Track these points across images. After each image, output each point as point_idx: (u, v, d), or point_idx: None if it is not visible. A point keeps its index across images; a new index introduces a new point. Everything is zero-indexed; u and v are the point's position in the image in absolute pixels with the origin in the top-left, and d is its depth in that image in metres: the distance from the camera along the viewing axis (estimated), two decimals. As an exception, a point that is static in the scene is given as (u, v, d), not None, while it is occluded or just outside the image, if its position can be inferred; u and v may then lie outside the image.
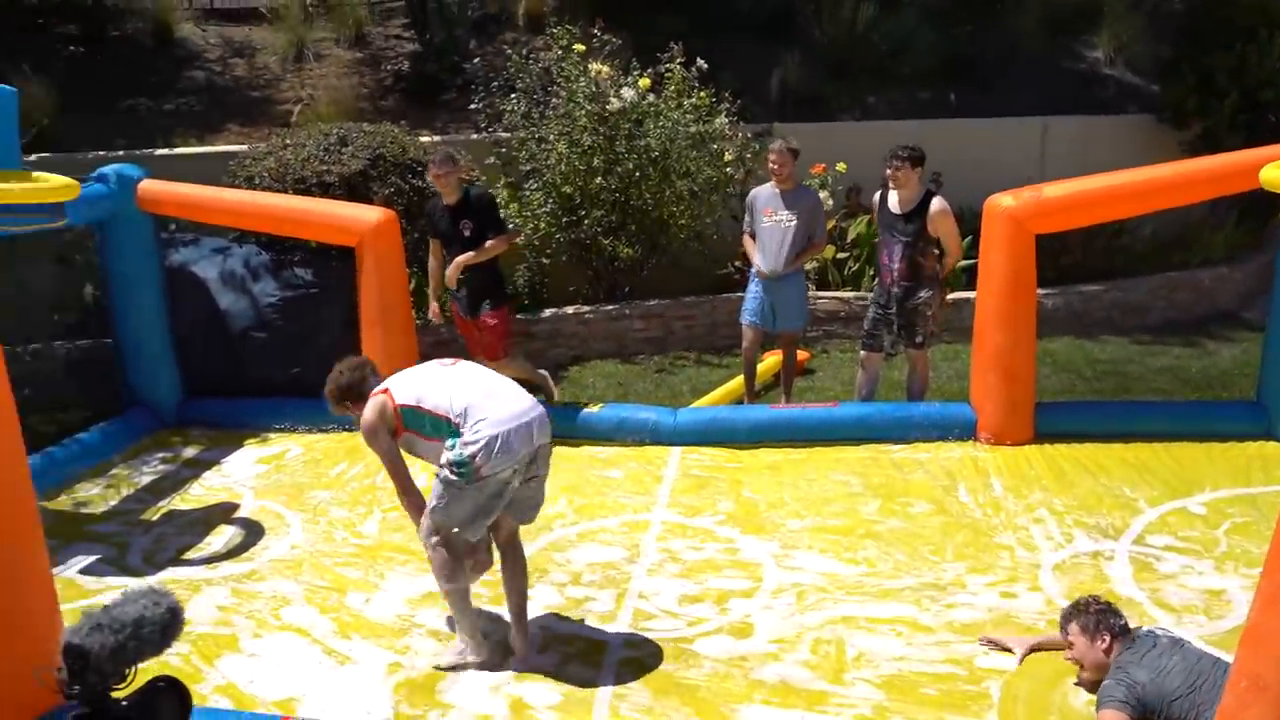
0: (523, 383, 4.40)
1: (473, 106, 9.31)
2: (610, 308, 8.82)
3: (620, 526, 5.49)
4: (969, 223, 7.47)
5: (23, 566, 3.64)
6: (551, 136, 8.48)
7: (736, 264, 8.91)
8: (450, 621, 4.39)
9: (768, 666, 4.16)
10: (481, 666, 4.18)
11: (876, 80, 10.89)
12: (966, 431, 6.41)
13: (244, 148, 8.69)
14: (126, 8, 11.30)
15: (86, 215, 6.61)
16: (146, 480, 6.37)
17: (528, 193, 8.72)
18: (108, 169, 6.90)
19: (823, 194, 8.31)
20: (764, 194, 6.87)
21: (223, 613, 4.71)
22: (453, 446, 3.92)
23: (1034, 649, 4.15)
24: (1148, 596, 4.56)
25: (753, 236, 6.91)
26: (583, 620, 4.56)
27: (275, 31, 11.26)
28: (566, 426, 6.58)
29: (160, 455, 6.75)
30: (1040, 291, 6.50)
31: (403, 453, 4.16)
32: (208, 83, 10.77)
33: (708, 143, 8.59)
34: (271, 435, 6.99)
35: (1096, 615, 3.80)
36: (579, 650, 4.32)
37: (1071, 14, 11.81)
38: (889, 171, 6.39)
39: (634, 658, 4.24)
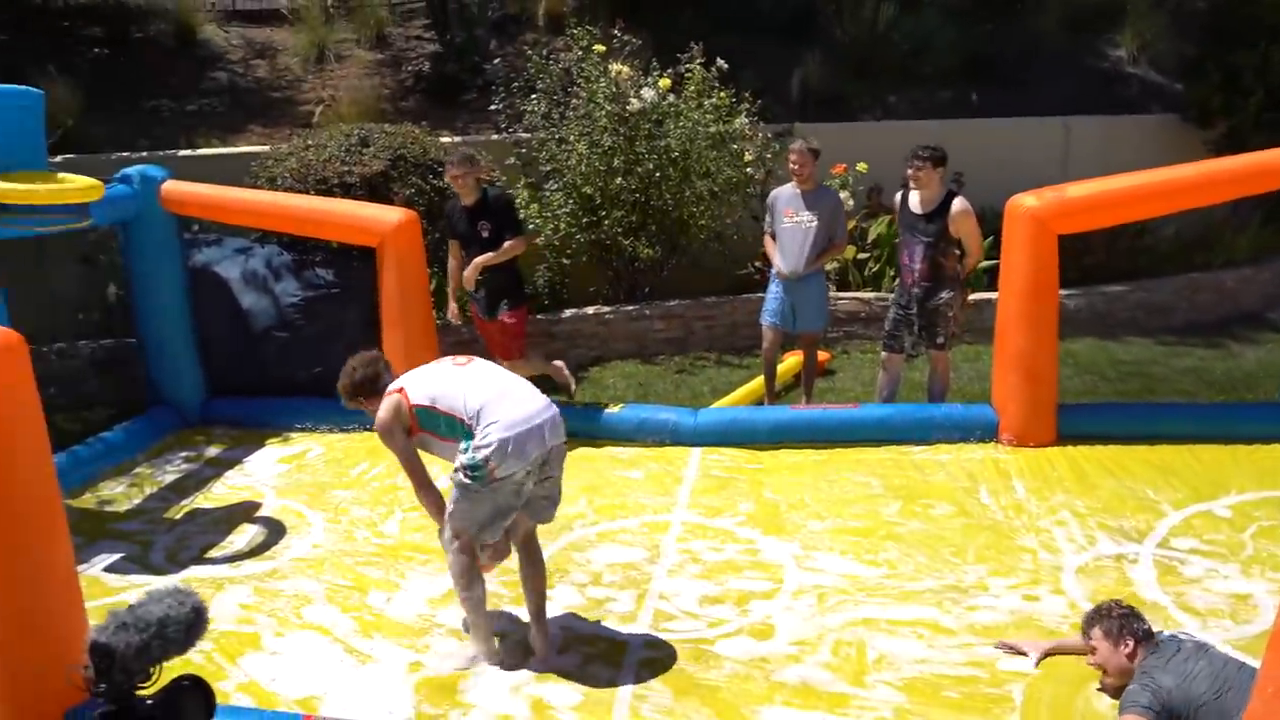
0: (538, 379, 4.39)
1: (493, 107, 9.34)
2: (630, 308, 8.82)
3: (641, 527, 5.49)
4: (990, 223, 7.44)
5: (49, 564, 3.68)
6: (572, 137, 8.49)
7: (757, 264, 8.89)
8: (466, 624, 4.39)
9: (789, 668, 4.15)
10: (500, 667, 4.18)
11: (898, 80, 10.85)
12: (988, 433, 6.37)
13: (266, 148, 8.74)
14: (150, 10, 11.39)
15: (110, 216, 6.66)
16: (170, 479, 6.41)
17: (548, 193, 8.73)
18: (131, 170, 6.96)
19: (843, 194, 8.28)
20: (784, 195, 6.85)
21: (245, 611, 4.74)
22: (466, 450, 3.93)
23: (1049, 653, 4.12)
24: (1172, 600, 4.52)
25: (773, 237, 6.90)
26: (602, 621, 4.56)
27: (297, 33, 11.32)
28: (587, 427, 6.61)
29: (183, 454, 6.79)
30: (1063, 292, 6.46)
31: (420, 452, 4.17)
32: (230, 84, 10.84)
33: (728, 143, 8.57)
34: (293, 435, 7.02)
35: (1120, 620, 3.76)
36: (599, 651, 4.32)
37: (1094, 12, 11.74)
38: (910, 171, 6.36)
39: (654, 658, 4.24)
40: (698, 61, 8.57)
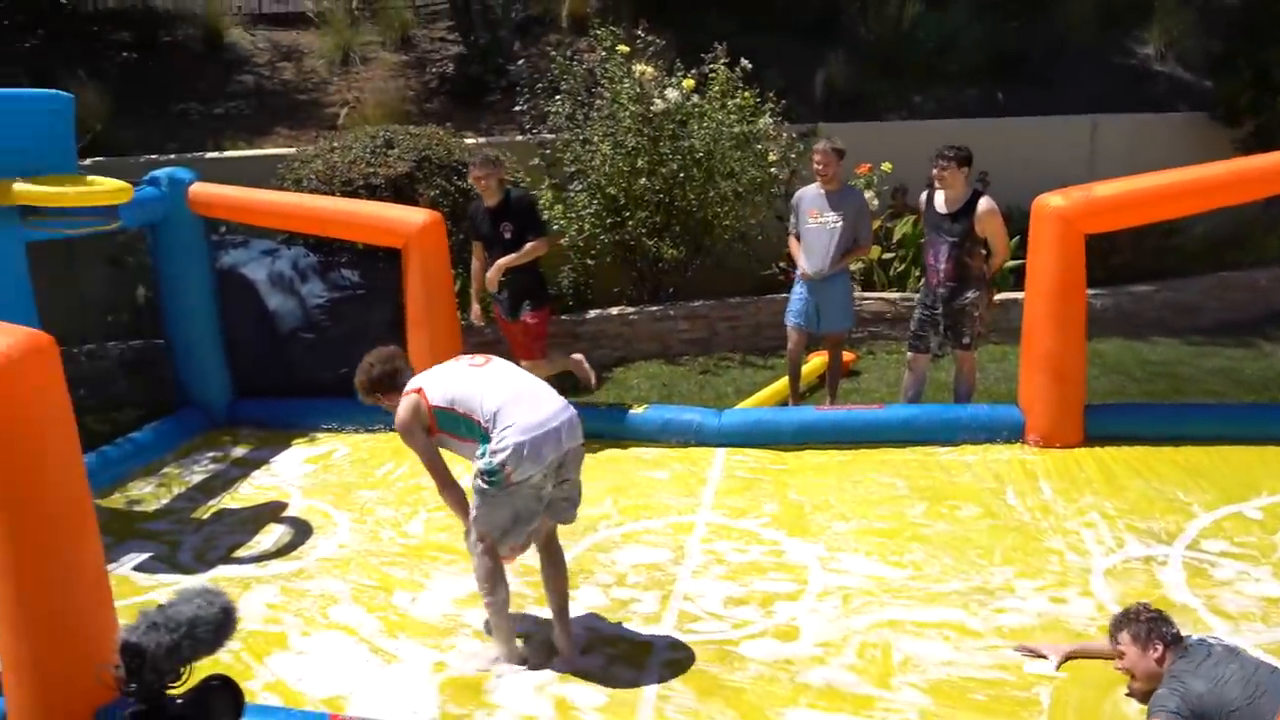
0: (559, 377, 4.37)
1: (517, 108, 9.36)
2: (654, 309, 8.82)
3: (665, 528, 5.48)
4: (1016, 222, 7.39)
5: (80, 564, 3.71)
6: (596, 138, 8.50)
7: (781, 265, 8.88)
8: (489, 625, 4.40)
9: (813, 670, 4.13)
10: (523, 668, 4.18)
11: (923, 78, 10.80)
12: (1015, 434, 6.33)
13: (292, 150, 8.80)
14: (178, 14, 11.50)
15: (139, 218, 6.73)
16: (197, 479, 6.46)
17: (572, 194, 8.74)
18: (159, 172, 7.03)
19: (868, 194, 8.25)
20: (809, 195, 6.83)
21: (272, 611, 4.77)
22: (482, 454, 3.94)
23: (1070, 656, 4.08)
24: (1203, 603, 4.47)
25: (798, 238, 6.88)
26: (626, 622, 4.55)
27: (322, 35, 11.39)
28: (612, 428, 6.61)
29: (210, 454, 6.85)
30: (1090, 292, 6.41)
31: (441, 450, 4.19)
32: (256, 86, 10.91)
33: (752, 143, 8.56)
34: (319, 435, 7.07)
35: (1148, 624, 3.70)
36: (624, 651, 4.32)
37: (1121, 9, 11.64)
38: (935, 171, 6.33)
39: (679, 659, 4.23)
40: (722, 62, 8.56)
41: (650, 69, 8.42)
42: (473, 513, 4.08)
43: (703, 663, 4.20)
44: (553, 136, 8.94)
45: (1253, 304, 9.40)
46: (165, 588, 4.99)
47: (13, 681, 3.65)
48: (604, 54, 8.65)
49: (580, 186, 8.70)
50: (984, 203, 6.26)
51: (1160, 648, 3.65)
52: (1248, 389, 7.37)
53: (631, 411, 6.72)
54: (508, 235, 6.44)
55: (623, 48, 8.55)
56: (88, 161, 7.87)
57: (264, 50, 11.56)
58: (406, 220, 6.78)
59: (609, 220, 8.61)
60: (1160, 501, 5.47)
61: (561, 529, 4.38)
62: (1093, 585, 4.68)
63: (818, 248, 6.72)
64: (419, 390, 4.11)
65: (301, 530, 5.65)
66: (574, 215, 8.66)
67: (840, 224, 6.66)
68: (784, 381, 7.36)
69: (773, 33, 10.62)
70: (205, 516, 5.93)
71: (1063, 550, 5.02)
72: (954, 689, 3.96)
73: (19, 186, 5.40)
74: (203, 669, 2.37)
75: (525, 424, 3.91)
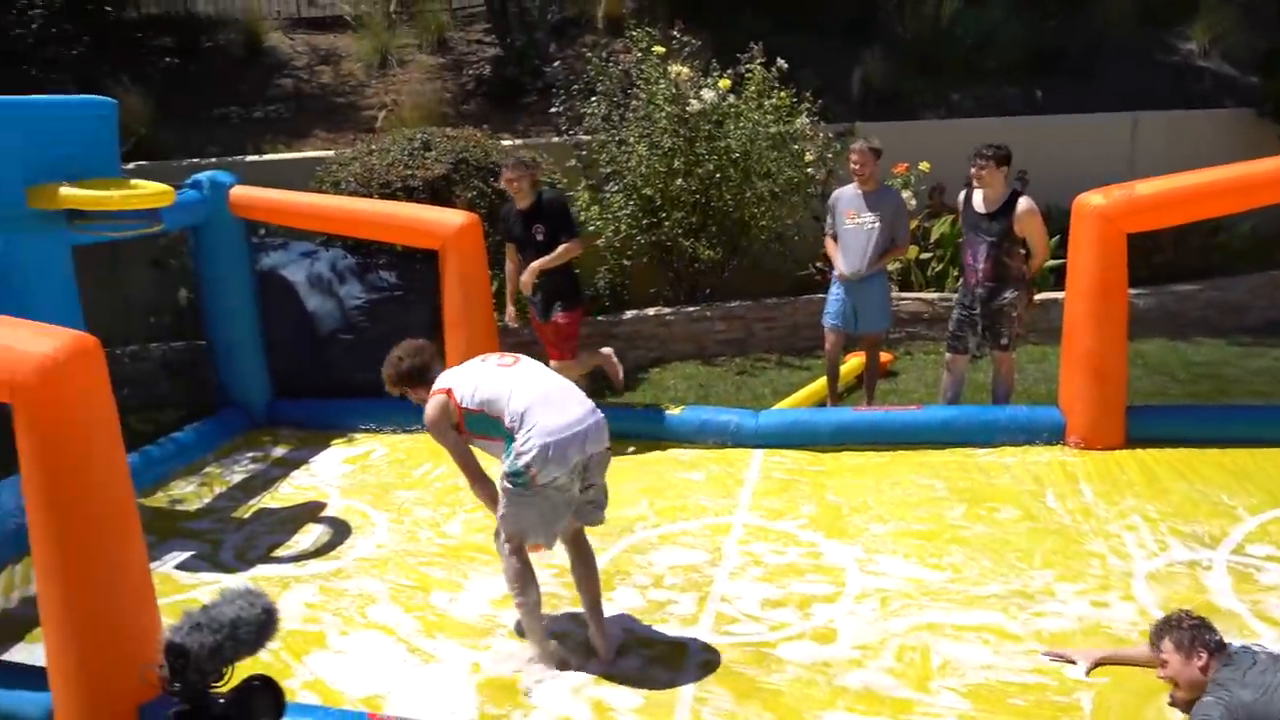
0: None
1: (553, 110, 9.38)
2: (691, 309, 8.82)
3: (702, 529, 5.48)
4: (1056, 221, 7.32)
5: (123, 563, 3.76)
6: (632, 139, 8.50)
7: (818, 265, 8.84)
8: (519, 625, 4.42)
9: (851, 673, 4.11)
10: (560, 669, 4.19)
11: (961, 76, 10.71)
12: (1055, 435, 6.26)
13: (331, 153, 8.88)
14: (219, 19, 11.63)
15: (181, 221, 6.81)
16: (238, 479, 6.53)
17: (608, 195, 8.75)
18: (201, 175, 7.11)
19: (906, 193, 8.19)
20: (846, 195, 6.80)
21: (311, 610, 4.81)
22: (508, 455, 3.96)
23: (1101, 662, 4.02)
24: (1248, 609, 4.40)
25: (834, 238, 6.84)
26: (662, 624, 4.55)
27: (360, 39, 11.47)
28: (648, 429, 6.62)
29: (251, 454, 6.92)
30: (1131, 291, 6.32)
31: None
32: (295, 90, 11.02)
33: (788, 143, 8.53)
34: (357, 435, 7.12)
35: (1191, 631, 3.62)
36: (660, 653, 4.32)
37: (1160, 5, 11.48)
38: (974, 170, 6.28)
39: (716, 662, 4.22)
40: (758, 62, 8.54)
41: (686, 69, 8.42)
42: (500, 513, 4.11)
43: (740, 665, 4.19)
44: (589, 138, 8.95)
45: (1300, 303, 9.24)
46: (207, 586, 5.06)
47: (59, 679, 3.71)
48: (640, 55, 8.66)
49: (616, 187, 8.70)
50: (1023, 202, 6.20)
51: (1204, 655, 3.56)
52: (1294, 390, 7.26)
53: (668, 412, 6.71)
54: (540, 237, 6.45)
55: (658, 48, 8.55)
56: (131, 165, 7.99)
57: (303, 54, 11.67)
58: (444, 222, 6.82)
59: (645, 221, 8.61)
60: (1204, 505, 5.39)
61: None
62: (1135, 589, 4.62)
63: (855, 248, 6.68)
64: (448, 391, 4.13)
65: (340, 530, 5.69)
66: (610, 216, 8.67)
67: (877, 224, 6.63)
68: (821, 382, 7.33)
69: (808, 32, 10.58)
70: (246, 516, 5.99)
71: (1104, 554, 4.96)
72: (993, 693, 3.93)
73: (65, 191, 5.48)
74: (243, 669, 2.40)
75: (551, 426, 3.92)
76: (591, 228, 8.51)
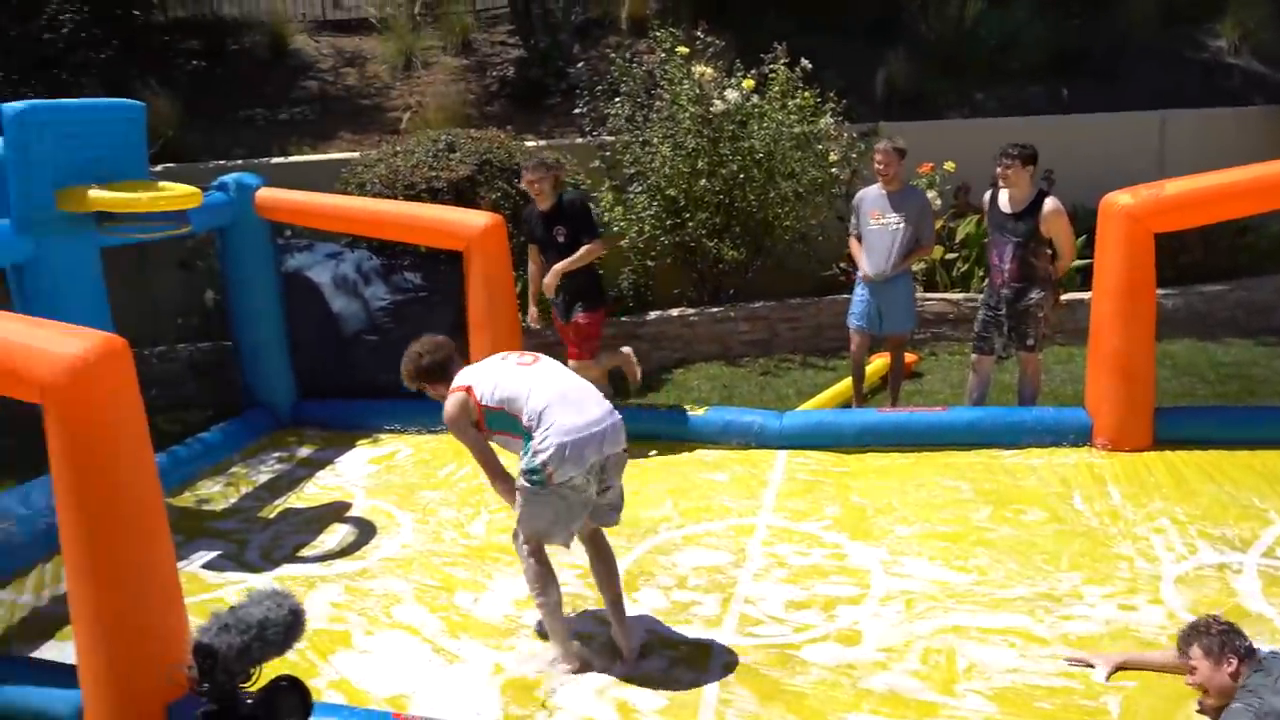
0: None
1: (577, 111, 9.39)
2: (715, 310, 8.81)
3: (726, 530, 5.47)
4: (1083, 221, 7.27)
5: (151, 562, 3.79)
6: (655, 139, 8.50)
7: (842, 265, 8.81)
8: (541, 626, 4.42)
9: (876, 675, 4.09)
10: (584, 670, 4.20)
11: (985, 76, 10.65)
12: (1082, 437, 6.22)
13: (355, 155, 8.91)
14: (245, 22, 11.71)
15: (208, 222, 6.86)
16: (264, 479, 6.57)
17: (632, 196, 8.75)
18: (227, 178, 7.15)
19: (931, 193, 8.17)
20: (870, 196, 6.77)
21: (336, 610, 4.84)
22: (526, 453, 3.97)
23: (1121, 667, 3.99)
24: (1279, 613, 4.36)
25: (858, 239, 6.82)
26: (686, 625, 4.54)
27: (385, 41, 11.52)
28: (672, 429, 6.63)
29: (277, 454, 6.96)
30: (1159, 291, 6.27)
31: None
32: (321, 92, 11.07)
33: (813, 143, 8.50)
34: (382, 436, 7.16)
35: (1220, 636, 3.54)
36: (684, 654, 4.32)
37: (1185, 4, 11.37)
38: (999, 170, 6.25)
39: (740, 663, 4.22)
40: (781, 62, 8.52)
41: (710, 70, 8.41)
42: (517, 512, 4.12)
43: (764, 666, 4.19)
44: (612, 138, 8.96)
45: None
46: (233, 585, 5.10)
47: (88, 676, 3.74)
48: (663, 55, 8.66)
49: (640, 188, 8.71)
50: (1049, 203, 6.16)
51: (1234, 661, 3.49)
52: (1325, 391, 7.18)
53: (692, 413, 6.71)
54: (561, 239, 6.45)
55: (682, 49, 8.55)
56: (158, 168, 8.06)
57: (328, 56, 11.73)
58: (468, 223, 6.85)
59: (669, 222, 8.61)
60: (1234, 507, 5.34)
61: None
62: (1163, 593, 4.58)
63: (879, 249, 6.66)
64: (467, 388, 4.14)
65: (365, 530, 5.72)
66: (634, 217, 8.67)
67: (902, 225, 6.60)
68: (846, 383, 7.31)
69: (832, 33, 10.54)
70: (271, 516, 6.03)
71: (1132, 556, 4.92)
72: (1019, 696, 3.90)
73: (94, 193, 5.54)
74: (270, 669, 2.41)
75: (568, 425, 3.93)
76: (615, 228, 8.51)
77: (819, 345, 8.78)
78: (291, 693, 2.39)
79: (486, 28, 12.07)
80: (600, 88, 9.06)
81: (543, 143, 9.37)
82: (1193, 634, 3.61)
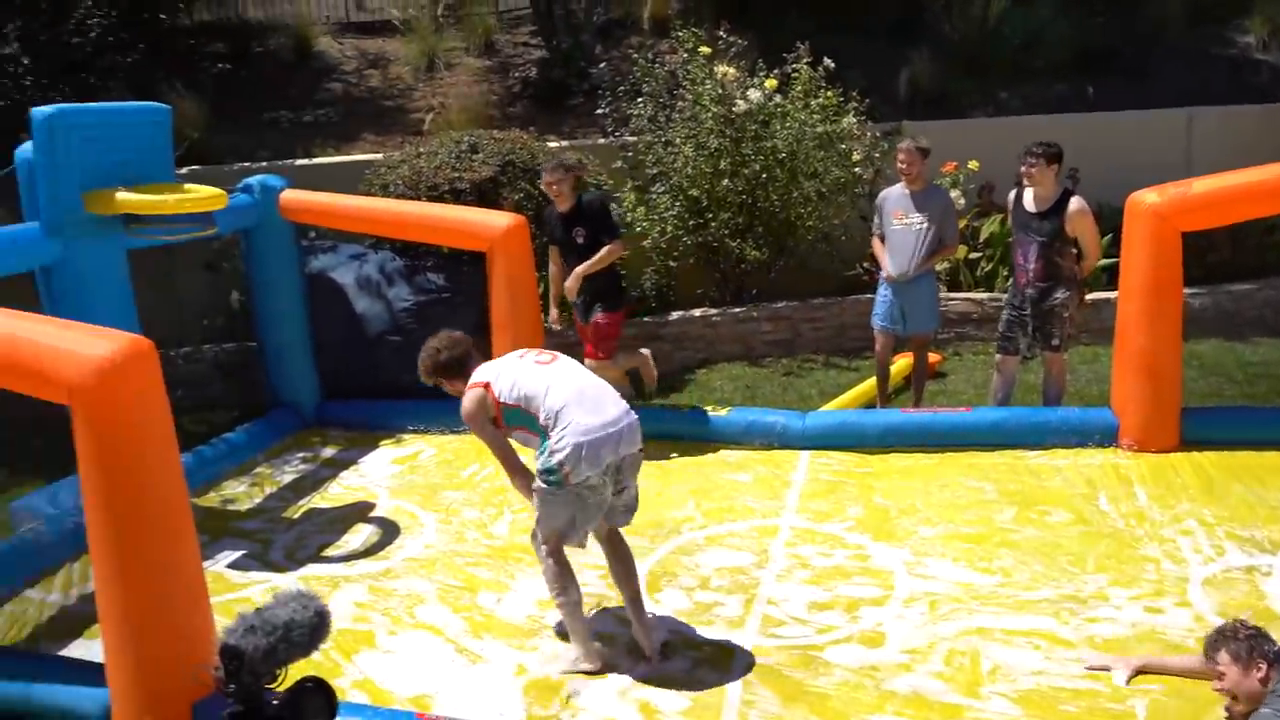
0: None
1: (599, 111, 9.40)
2: (737, 310, 8.79)
3: (749, 531, 5.46)
4: (1109, 220, 7.21)
5: (177, 562, 3.82)
6: (678, 139, 8.50)
7: (865, 265, 8.78)
8: (561, 626, 4.43)
9: (900, 677, 4.08)
10: (606, 670, 4.20)
11: (1009, 75, 10.59)
12: (1107, 437, 6.17)
13: (379, 156, 8.96)
14: (270, 25, 11.79)
15: (233, 224, 6.91)
16: (288, 479, 6.61)
17: (654, 196, 8.75)
18: (252, 179, 7.20)
19: (954, 192, 8.12)
20: (893, 195, 6.75)
21: (360, 609, 4.86)
22: (542, 453, 3.98)
23: (1141, 671, 3.95)
24: (1308, 615, 4.32)
25: (881, 239, 6.79)
26: (709, 626, 4.54)
27: (408, 43, 11.57)
28: (695, 430, 6.62)
29: (301, 455, 7.00)
30: (1186, 291, 6.21)
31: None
32: (344, 94, 11.14)
33: (835, 143, 8.48)
34: (406, 436, 7.18)
35: (1248, 641, 3.48)
36: (707, 655, 4.31)
37: (1211, 4, 11.26)
38: (1024, 169, 6.20)
39: (763, 664, 4.21)
40: (804, 61, 8.49)
41: (732, 70, 8.40)
42: (535, 514, 4.14)
43: (787, 668, 4.18)
44: (635, 139, 8.96)
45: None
46: (258, 585, 5.13)
47: (116, 675, 3.78)
48: (686, 55, 8.65)
49: (663, 188, 8.70)
50: (1075, 203, 6.11)
51: (1264, 666, 3.42)
52: (1355, 391, 7.10)
53: (715, 414, 6.70)
54: (581, 240, 6.45)
55: (704, 49, 8.54)
56: (184, 170, 8.11)
57: (351, 58, 11.79)
58: (490, 224, 6.86)
59: (691, 222, 8.61)
60: (1262, 509, 5.28)
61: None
62: (1190, 595, 4.53)
63: (903, 249, 6.63)
64: (486, 385, 4.15)
65: (389, 530, 5.74)
66: (656, 217, 8.67)
67: (926, 225, 6.57)
68: (869, 383, 7.28)
69: (854, 33, 10.51)
70: (296, 516, 6.06)
71: (1158, 558, 4.87)
72: (1044, 699, 3.88)
73: (121, 196, 5.60)
74: (296, 669, 2.43)
75: (585, 425, 3.94)
76: (638, 229, 8.52)
77: (842, 345, 8.75)
78: (317, 694, 2.40)
79: (509, 29, 12.10)
80: (622, 88, 9.06)
81: (565, 143, 9.39)
82: (1220, 639, 3.55)
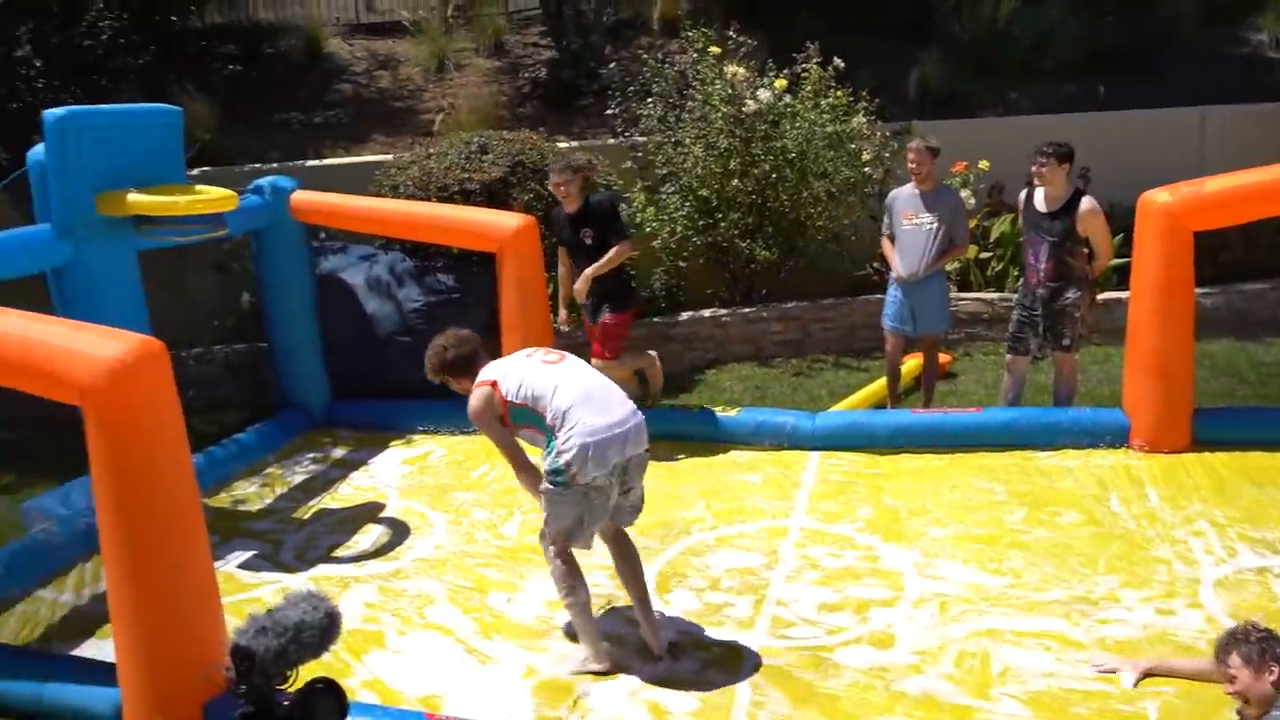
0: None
1: (609, 111, 9.39)
2: (747, 310, 8.79)
3: (759, 532, 5.45)
4: (1120, 219, 7.18)
5: (188, 562, 3.84)
6: (688, 140, 8.49)
7: (875, 265, 8.76)
8: (570, 627, 4.43)
9: (910, 679, 4.07)
10: (615, 670, 4.20)
11: (1019, 75, 10.55)
12: (1119, 438, 6.14)
13: (389, 157, 8.96)
14: (280, 26, 11.82)
15: (244, 225, 6.91)
16: (298, 479, 6.62)
17: (664, 196, 8.74)
18: (263, 181, 7.22)
19: (964, 192, 8.10)
20: (903, 195, 6.73)
21: (370, 610, 4.87)
22: (549, 453, 3.98)
23: (1149, 673, 3.93)
24: (1321, 617, 4.29)
25: (891, 239, 6.78)
26: (718, 627, 4.54)
27: (418, 44, 11.59)
28: (704, 430, 6.62)
29: (311, 455, 7.01)
30: (1198, 290, 6.18)
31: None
32: (354, 95, 11.15)
33: (845, 143, 8.46)
34: (416, 437, 7.19)
35: (1260, 644, 3.42)
36: (717, 656, 4.31)
37: (1223, 4, 11.21)
38: (1035, 168, 6.19)
39: (772, 665, 4.21)
40: (814, 61, 8.48)
41: (742, 70, 8.39)
42: (543, 514, 4.14)
43: (796, 669, 4.18)
44: (645, 139, 8.95)
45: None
46: (268, 585, 5.15)
47: (127, 675, 3.79)
48: (695, 56, 8.65)
49: (672, 189, 8.70)
50: (1086, 202, 6.09)
51: (1276, 669, 3.39)
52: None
53: (724, 414, 6.70)
54: (589, 241, 6.44)
55: (714, 49, 8.53)
56: (195, 171, 8.13)
57: (361, 59, 11.81)
58: (500, 225, 6.87)
59: (701, 222, 8.60)
60: (1275, 510, 5.25)
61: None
62: (1202, 596, 4.52)
63: (913, 249, 6.61)
64: (493, 383, 4.15)
65: (399, 531, 5.75)
66: (666, 217, 8.66)
67: (936, 225, 6.55)
68: (879, 384, 7.27)
69: (864, 33, 10.48)
70: (306, 516, 6.07)
71: (1170, 559, 4.86)
72: (1055, 701, 3.87)
73: (133, 197, 5.62)
74: (306, 669, 2.43)
75: (592, 426, 3.95)
76: (648, 229, 8.51)
77: (852, 345, 8.74)
78: (328, 694, 2.41)
79: (518, 29, 12.11)
80: (632, 88, 9.05)
81: (575, 144, 9.38)
82: (1231, 642, 3.50)
